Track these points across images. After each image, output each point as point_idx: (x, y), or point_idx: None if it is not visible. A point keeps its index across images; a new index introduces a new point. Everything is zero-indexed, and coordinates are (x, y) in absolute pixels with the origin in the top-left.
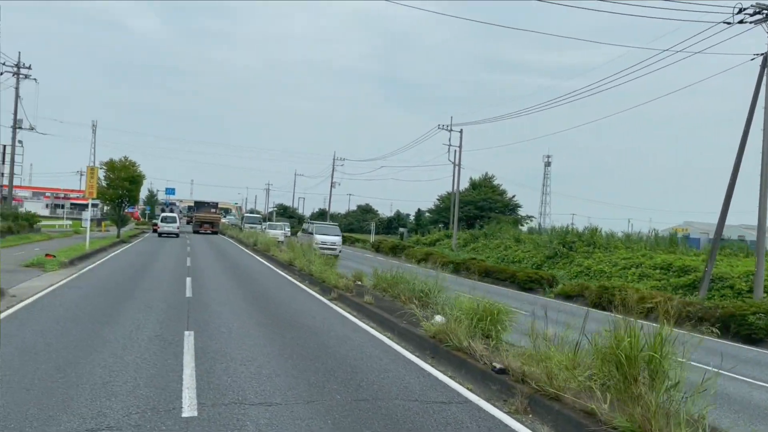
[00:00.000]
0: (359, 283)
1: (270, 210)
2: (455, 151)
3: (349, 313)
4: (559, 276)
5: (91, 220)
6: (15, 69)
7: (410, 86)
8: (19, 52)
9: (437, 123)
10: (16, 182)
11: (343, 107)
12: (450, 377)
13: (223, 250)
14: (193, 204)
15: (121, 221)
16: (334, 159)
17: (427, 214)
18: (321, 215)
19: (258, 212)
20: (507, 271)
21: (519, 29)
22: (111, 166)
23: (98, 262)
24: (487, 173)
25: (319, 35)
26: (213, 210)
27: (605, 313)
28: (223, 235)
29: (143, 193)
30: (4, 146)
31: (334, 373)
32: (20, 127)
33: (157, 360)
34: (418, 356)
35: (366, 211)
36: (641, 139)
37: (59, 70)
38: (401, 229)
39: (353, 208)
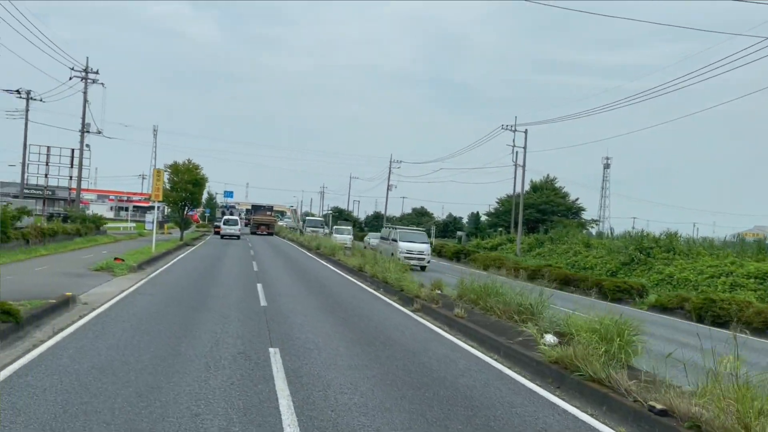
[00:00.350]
0: (439, 292)
1: (325, 212)
2: (517, 152)
3: (439, 327)
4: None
5: (154, 222)
6: (83, 74)
7: (461, 88)
8: (87, 57)
9: (489, 125)
10: (82, 185)
11: (394, 110)
12: (591, 416)
13: (286, 253)
14: (250, 207)
15: (183, 224)
16: (390, 161)
17: (485, 217)
18: (376, 218)
19: (313, 214)
20: (588, 279)
21: (599, 14)
22: (175, 168)
23: (165, 267)
24: (548, 175)
25: (370, 39)
26: (268, 213)
27: (723, 331)
28: (278, 236)
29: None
30: (72, 150)
31: (451, 406)
32: (88, 131)
33: (247, 385)
34: (539, 385)
35: (421, 214)
36: (705, 139)
37: (120, 77)
38: (459, 233)
39: (407, 210)
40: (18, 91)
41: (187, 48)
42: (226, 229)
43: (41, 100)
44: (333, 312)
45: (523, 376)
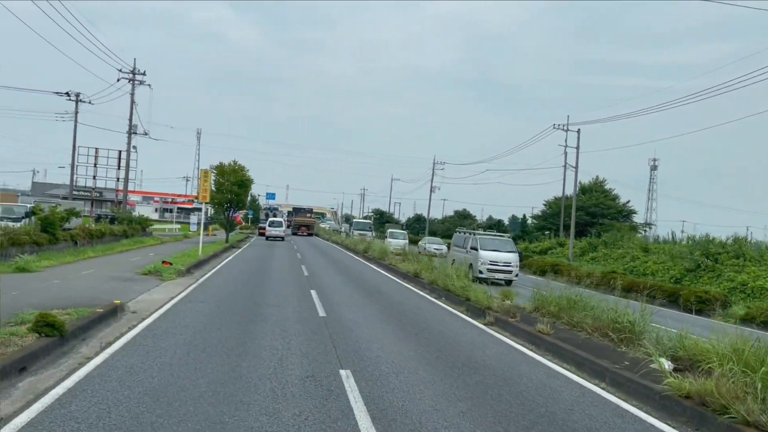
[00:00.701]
0: (508, 302)
1: (365, 214)
2: (567, 152)
3: (522, 345)
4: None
5: (198, 224)
6: (131, 75)
7: (505, 90)
8: (134, 59)
9: (532, 126)
10: (129, 187)
11: (436, 112)
12: None
13: (333, 257)
14: (291, 209)
15: (229, 226)
16: (434, 163)
17: (531, 220)
18: (417, 221)
19: (354, 216)
20: (664, 288)
21: None
22: (221, 170)
23: (214, 270)
24: (597, 177)
25: (412, 41)
26: (308, 215)
27: None
28: (319, 237)
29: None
30: (120, 152)
31: None
32: (135, 132)
33: (324, 421)
34: (671, 426)
35: (463, 216)
36: (757, 139)
37: (165, 81)
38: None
39: (448, 213)
40: (67, 94)
41: (229, 52)
42: (271, 231)
43: (90, 102)
44: (399, 324)
45: (647, 413)
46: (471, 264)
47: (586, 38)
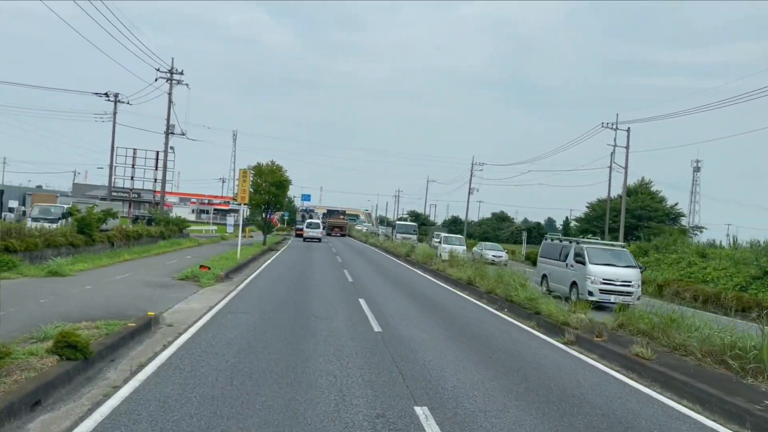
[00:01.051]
0: (582, 315)
1: (400, 216)
2: (615, 152)
3: (618, 372)
4: None
5: (235, 225)
6: (168, 74)
7: (539, 91)
8: (173, 58)
9: (568, 127)
10: (166, 188)
11: (469, 113)
12: None
13: (375, 261)
14: (326, 211)
15: (266, 227)
16: (472, 163)
17: (574, 223)
18: (453, 223)
19: (386, 218)
20: (746, 299)
21: None
22: (258, 170)
23: (254, 275)
24: (643, 178)
25: (444, 43)
26: (341, 216)
27: None
28: (352, 237)
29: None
30: (157, 152)
31: None
32: (172, 133)
33: None
34: None
35: (501, 218)
36: None
37: (202, 84)
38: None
39: (484, 215)
40: (106, 94)
41: (265, 55)
42: (309, 232)
43: (128, 103)
44: (467, 343)
45: None
46: (574, 282)
47: (619, 37)
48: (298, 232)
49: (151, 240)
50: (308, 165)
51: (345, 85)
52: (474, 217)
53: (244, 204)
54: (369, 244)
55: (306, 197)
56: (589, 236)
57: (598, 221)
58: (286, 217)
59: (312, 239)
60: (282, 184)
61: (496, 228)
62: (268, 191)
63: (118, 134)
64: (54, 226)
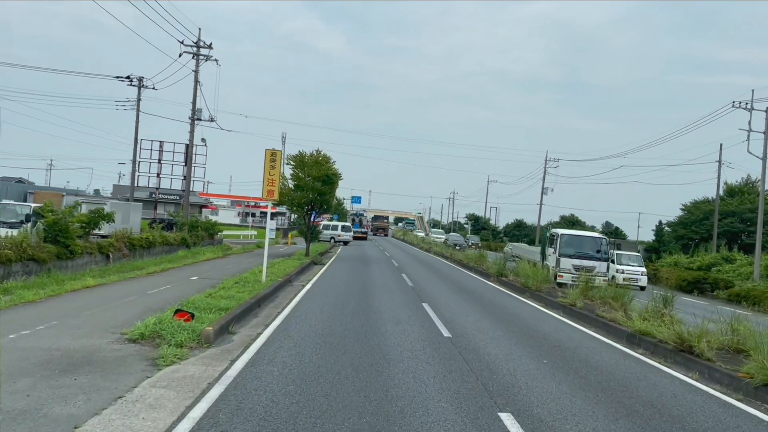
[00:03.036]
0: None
1: (454, 220)
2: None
3: None
4: None
5: (277, 229)
6: (194, 48)
7: (596, 92)
8: (200, 29)
9: (625, 129)
10: (214, 190)
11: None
12: None
13: (464, 285)
14: (373, 216)
15: (310, 234)
16: (545, 160)
17: (665, 228)
18: (517, 227)
19: (444, 222)
20: None
21: None
22: (300, 161)
23: (277, 325)
24: (748, 176)
25: (498, 45)
26: (385, 220)
27: None
28: (405, 242)
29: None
30: (187, 146)
31: None
32: (199, 119)
33: None
34: None
35: (571, 222)
36: None
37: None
38: (638, 247)
39: (552, 218)
40: (129, 78)
41: (319, 60)
42: (356, 233)
43: (153, 88)
44: None
45: None
46: None
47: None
48: (354, 235)
49: (169, 248)
50: (358, 167)
51: (398, 88)
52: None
53: (275, 202)
54: (434, 254)
55: (356, 199)
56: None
57: (698, 226)
58: (335, 221)
59: (359, 238)
60: (330, 178)
61: None
62: (312, 187)
63: (144, 125)
64: (15, 232)
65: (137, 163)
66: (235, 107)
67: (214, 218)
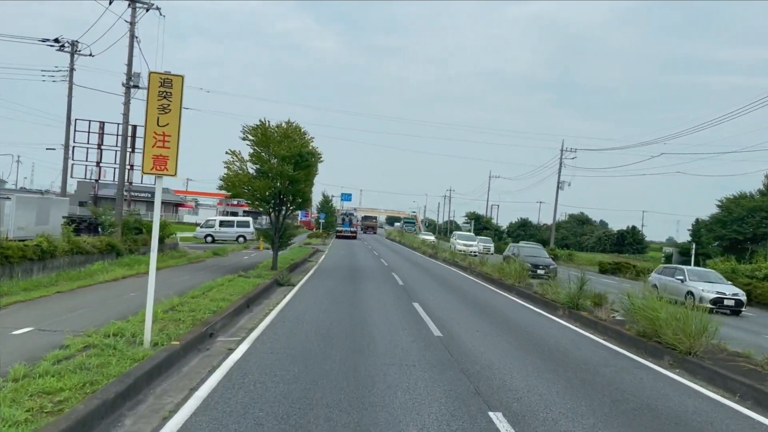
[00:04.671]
0: None
1: (462, 220)
2: None
3: None
4: None
5: (257, 229)
6: None
7: (588, 92)
8: None
9: (620, 130)
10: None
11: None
12: None
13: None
14: (362, 216)
15: (281, 238)
16: (561, 150)
17: (687, 231)
18: (522, 226)
19: (434, 221)
20: None
21: None
22: (261, 134)
23: None
24: None
25: (492, 45)
26: (373, 220)
27: None
28: (402, 245)
29: (317, 197)
30: (134, 128)
31: None
32: (137, 86)
33: None
34: None
35: (581, 221)
36: None
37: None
38: (667, 250)
39: (558, 216)
40: (57, 41)
41: (311, 61)
42: (345, 232)
43: (90, 54)
44: None
45: None
46: None
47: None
48: (338, 234)
49: (85, 259)
50: (349, 165)
51: (390, 88)
52: (547, 219)
53: (162, 175)
54: (442, 261)
55: (346, 197)
56: None
57: (740, 225)
58: (322, 220)
59: (349, 237)
60: (305, 159)
61: (578, 233)
62: (281, 173)
63: (79, 103)
64: None
65: (71, 148)
66: (229, 109)
67: (192, 218)
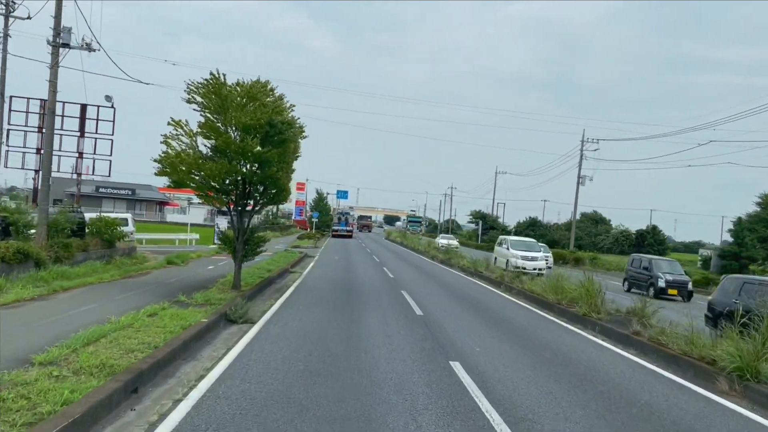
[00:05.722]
0: None
1: (465, 220)
2: None
3: None
4: None
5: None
6: None
7: (583, 91)
8: None
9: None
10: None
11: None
12: None
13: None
14: (358, 216)
15: (246, 244)
16: (582, 141)
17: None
18: (531, 226)
19: (432, 220)
20: None
21: None
22: (216, 93)
23: None
24: None
25: (487, 44)
26: (369, 219)
27: None
28: (406, 248)
29: (311, 195)
30: (84, 105)
31: None
32: (66, 45)
33: None
34: None
35: (595, 221)
36: None
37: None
38: (704, 252)
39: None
40: None
41: (307, 59)
42: (340, 231)
43: (28, 17)
44: None
45: None
46: None
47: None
48: (334, 233)
49: None
50: (347, 165)
51: (386, 86)
52: (542, 216)
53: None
54: (460, 270)
55: (342, 194)
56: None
57: None
58: (315, 219)
59: (345, 236)
60: (278, 130)
61: (592, 233)
62: (242, 150)
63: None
64: None
65: (4, 132)
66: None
67: (180, 218)
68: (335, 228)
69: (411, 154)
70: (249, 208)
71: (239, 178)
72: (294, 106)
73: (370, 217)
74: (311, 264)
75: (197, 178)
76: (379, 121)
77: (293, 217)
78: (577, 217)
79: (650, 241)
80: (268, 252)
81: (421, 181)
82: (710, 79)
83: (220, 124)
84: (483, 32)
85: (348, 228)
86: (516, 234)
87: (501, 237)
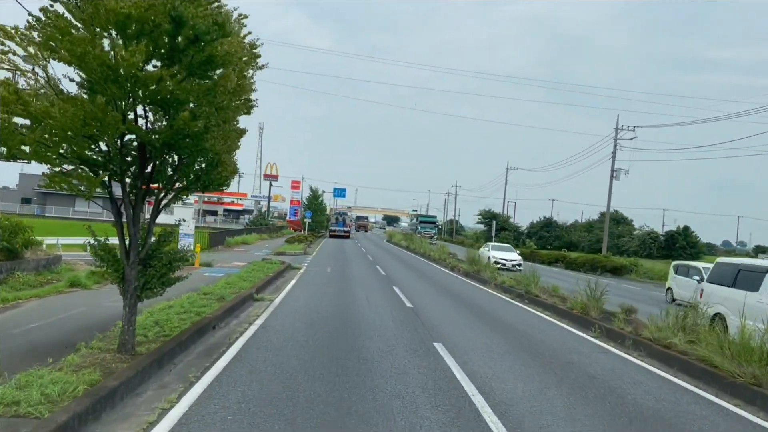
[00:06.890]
0: None
1: (475, 220)
2: None
3: None
4: None
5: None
6: None
7: (584, 91)
8: None
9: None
10: None
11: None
12: None
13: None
14: (356, 217)
15: (147, 263)
16: (616, 129)
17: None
18: (546, 226)
19: (433, 217)
20: None
21: None
22: None
23: None
24: None
25: (488, 44)
26: (365, 219)
27: None
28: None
29: (305, 192)
30: None
31: None
32: None
33: None
34: None
35: (615, 221)
36: None
37: None
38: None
39: (584, 215)
40: None
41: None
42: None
43: None
44: None
45: None
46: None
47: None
48: (332, 234)
49: None
50: (346, 165)
51: (386, 85)
52: (567, 216)
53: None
54: (470, 279)
55: (339, 192)
56: None
57: None
58: (308, 219)
59: (342, 236)
60: (190, 31)
61: (614, 235)
62: (124, 69)
63: None
64: None
65: None
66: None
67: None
68: (332, 228)
69: (410, 154)
70: (158, 197)
71: (120, 131)
72: (237, 7)
73: (367, 218)
74: (292, 282)
75: (40, 132)
76: (379, 121)
77: (288, 217)
78: (599, 217)
79: (681, 243)
80: (239, 263)
81: (421, 181)
82: (710, 79)
83: (80, 25)
84: (484, 33)
85: (345, 228)
86: (529, 236)
87: (485, 243)
